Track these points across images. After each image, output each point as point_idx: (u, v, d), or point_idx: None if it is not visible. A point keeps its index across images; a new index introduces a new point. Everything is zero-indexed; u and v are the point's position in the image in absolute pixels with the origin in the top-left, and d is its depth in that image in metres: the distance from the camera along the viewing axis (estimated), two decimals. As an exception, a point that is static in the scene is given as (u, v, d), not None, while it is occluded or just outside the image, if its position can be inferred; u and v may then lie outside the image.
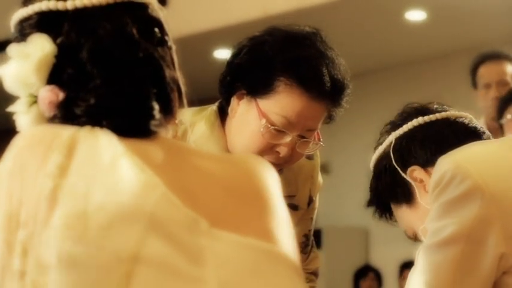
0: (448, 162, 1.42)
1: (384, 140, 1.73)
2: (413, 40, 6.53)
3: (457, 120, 1.72)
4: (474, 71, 3.88)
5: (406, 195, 1.68)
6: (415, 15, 6.09)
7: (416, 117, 1.71)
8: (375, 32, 6.35)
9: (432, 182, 1.43)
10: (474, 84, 3.90)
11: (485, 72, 3.85)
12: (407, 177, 1.67)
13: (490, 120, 3.75)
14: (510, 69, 3.84)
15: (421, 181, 1.66)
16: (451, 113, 1.73)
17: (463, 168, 1.39)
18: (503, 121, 3.31)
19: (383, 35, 6.43)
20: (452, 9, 5.87)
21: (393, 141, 1.71)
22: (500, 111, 3.35)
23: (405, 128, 1.71)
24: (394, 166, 1.69)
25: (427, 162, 1.66)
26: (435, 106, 1.74)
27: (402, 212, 1.71)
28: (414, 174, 1.67)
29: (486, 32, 6.10)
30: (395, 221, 1.77)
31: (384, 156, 1.72)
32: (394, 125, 1.74)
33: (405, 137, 1.70)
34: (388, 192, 1.72)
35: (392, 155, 1.69)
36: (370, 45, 6.61)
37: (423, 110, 1.73)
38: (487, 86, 3.83)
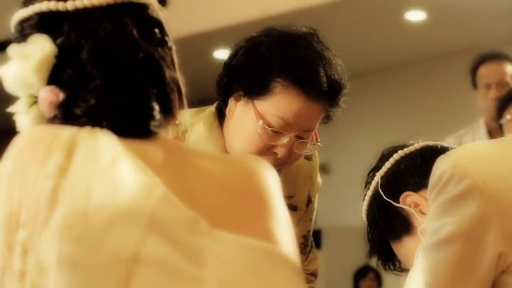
0: (446, 161, 1.42)
1: (370, 187, 1.75)
2: (413, 40, 6.54)
3: (436, 145, 1.75)
4: (474, 71, 3.89)
5: (405, 226, 1.70)
6: (415, 16, 6.09)
7: (396, 153, 1.74)
8: (374, 32, 6.35)
9: (431, 182, 1.43)
10: (474, 84, 3.90)
11: (485, 72, 3.85)
12: (401, 205, 1.69)
13: (490, 121, 3.75)
14: (510, 70, 3.84)
15: (416, 205, 1.68)
16: (428, 142, 1.77)
17: (461, 168, 1.39)
18: (503, 121, 3.31)
19: (383, 35, 6.43)
20: (452, 10, 5.88)
21: (379, 181, 1.73)
22: (500, 112, 3.35)
23: (387, 164, 1.74)
24: (387, 201, 1.71)
25: (419, 186, 1.69)
26: (411, 142, 1.77)
27: (405, 246, 1.71)
28: (407, 200, 1.69)
29: (486, 32, 6.10)
30: (401, 269, 1.77)
31: (374, 200, 1.75)
32: (376, 168, 1.76)
33: (390, 173, 1.73)
34: (387, 230, 1.73)
35: (382, 192, 1.72)
36: (370, 46, 6.62)
37: (401, 147, 1.76)
38: (487, 86, 3.83)
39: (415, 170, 1.71)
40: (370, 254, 1.79)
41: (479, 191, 1.36)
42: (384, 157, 1.77)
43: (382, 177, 1.74)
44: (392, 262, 1.78)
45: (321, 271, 2.19)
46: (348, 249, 7.27)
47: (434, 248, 1.40)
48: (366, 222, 1.78)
